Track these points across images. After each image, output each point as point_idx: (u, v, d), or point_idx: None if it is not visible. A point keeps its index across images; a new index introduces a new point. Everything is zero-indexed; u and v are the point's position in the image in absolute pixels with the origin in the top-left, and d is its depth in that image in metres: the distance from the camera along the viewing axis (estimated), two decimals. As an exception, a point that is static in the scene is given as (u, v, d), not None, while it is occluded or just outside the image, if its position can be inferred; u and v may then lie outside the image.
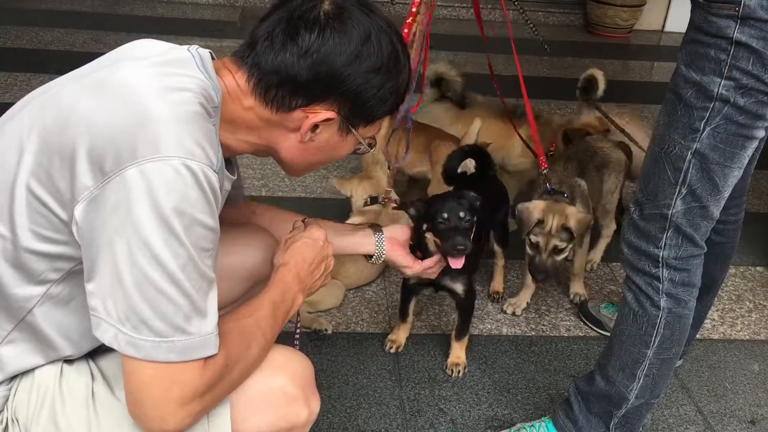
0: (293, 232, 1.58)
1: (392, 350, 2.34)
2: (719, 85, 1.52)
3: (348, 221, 2.72)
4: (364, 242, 1.81)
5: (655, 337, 1.79)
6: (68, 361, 1.29)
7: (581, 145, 2.73)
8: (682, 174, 1.63)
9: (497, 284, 2.67)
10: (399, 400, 2.15)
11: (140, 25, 5.36)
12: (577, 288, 2.68)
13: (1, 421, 1.24)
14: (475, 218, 2.00)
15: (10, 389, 1.25)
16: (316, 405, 1.42)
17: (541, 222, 2.29)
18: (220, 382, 1.21)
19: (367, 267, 2.61)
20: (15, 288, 1.17)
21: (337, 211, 3.09)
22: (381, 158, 2.88)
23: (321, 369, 2.24)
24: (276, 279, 1.43)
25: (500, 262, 2.63)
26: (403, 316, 2.34)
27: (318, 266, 1.53)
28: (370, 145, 1.43)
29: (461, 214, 1.96)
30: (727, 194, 1.67)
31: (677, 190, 1.65)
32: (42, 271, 1.16)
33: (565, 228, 2.28)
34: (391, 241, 1.83)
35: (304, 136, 1.31)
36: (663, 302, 1.75)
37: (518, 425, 2.04)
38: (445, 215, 1.96)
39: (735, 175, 1.64)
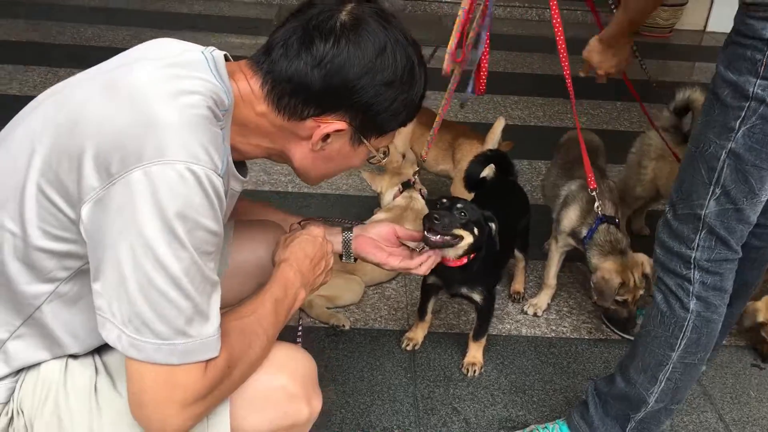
0: (292, 232, 1.58)
1: (409, 348, 2.33)
2: (755, 85, 1.51)
3: (372, 218, 2.72)
4: (333, 241, 1.71)
5: (681, 340, 1.76)
6: (74, 355, 1.30)
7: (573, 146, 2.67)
8: (716, 174, 1.61)
9: (518, 284, 2.64)
10: (413, 398, 2.14)
11: (178, 21, 5.45)
12: (600, 290, 2.64)
13: (7, 413, 1.27)
14: (474, 230, 1.89)
15: (17, 382, 1.27)
16: (317, 403, 1.42)
17: (623, 284, 2.31)
18: (222, 383, 1.21)
19: (389, 264, 2.61)
20: (24, 285, 1.19)
21: (361, 208, 3.11)
22: (411, 156, 2.88)
23: (336, 364, 2.25)
24: (278, 275, 1.43)
25: (521, 263, 2.61)
26: (421, 314, 2.33)
27: (319, 262, 1.52)
28: (384, 154, 1.43)
29: (459, 206, 1.86)
30: (764, 198, 1.64)
31: (711, 190, 1.63)
32: (51, 269, 1.18)
33: (643, 275, 2.33)
34: (360, 239, 1.73)
35: (315, 146, 1.31)
36: (692, 305, 1.72)
37: (531, 426, 2.02)
38: (444, 201, 1.88)
39: None
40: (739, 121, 1.55)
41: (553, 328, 2.51)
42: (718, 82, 1.59)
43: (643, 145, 2.76)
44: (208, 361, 1.16)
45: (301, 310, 1.69)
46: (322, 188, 3.31)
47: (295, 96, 1.25)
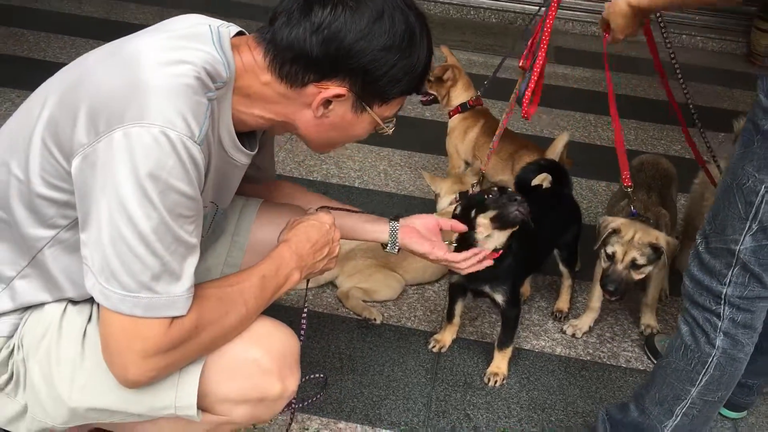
0: (303, 216, 1.62)
1: (435, 349, 2.34)
2: None
3: None
4: (377, 230, 1.80)
5: (703, 376, 1.69)
6: (74, 301, 1.40)
7: (652, 170, 2.58)
8: (754, 209, 1.54)
9: (562, 303, 2.58)
10: (427, 398, 2.15)
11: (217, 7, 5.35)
12: (649, 319, 2.54)
13: (9, 346, 1.38)
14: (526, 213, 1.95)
15: (21, 318, 1.38)
16: (292, 382, 1.45)
17: (617, 231, 2.20)
18: (187, 343, 1.27)
19: (431, 265, 2.62)
20: (28, 228, 1.30)
21: (423, 210, 3.11)
22: (476, 166, 2.87)
23: (360, 355, 2.28)
24: (273, 253, 1.48)
25: (567, 281, 2.54)
26: (449, 317, 2.33)
27: (321, 248, 1.55)
28: (391, 124, 1.45)
29: (517, 198, 1.94)
30: None
31: (747, 225, 1.56)
32: (51, 216, 1.28)
33: (653, 246, 2.17)
34: (407, 229, 1.80)
35: (316, 111, 1.35)
36: (719, 341, 1.65)
37: (538, 443, 1.98)
38: (500, 193, 1.95)
39: None
40: None
41: (590, 351, 2.44)
42: (759, 112, 1.51)
43: (706, 177, 2.63)
44: (174, 318, 1.22)
45: (306, 293, 1.73)
46: (389, 186, 3.36)
47: (296, 63, 1.29)
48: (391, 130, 1.48)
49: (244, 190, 1.72)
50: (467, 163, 3.07)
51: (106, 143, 1.15)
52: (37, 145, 1.23)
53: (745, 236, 1.55)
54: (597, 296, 2.47)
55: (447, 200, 2.79)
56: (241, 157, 1.43)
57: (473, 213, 1.97)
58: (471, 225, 1.97)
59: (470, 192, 2.73)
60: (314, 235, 1.54)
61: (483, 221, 1.96)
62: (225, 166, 1.41)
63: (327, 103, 1.35)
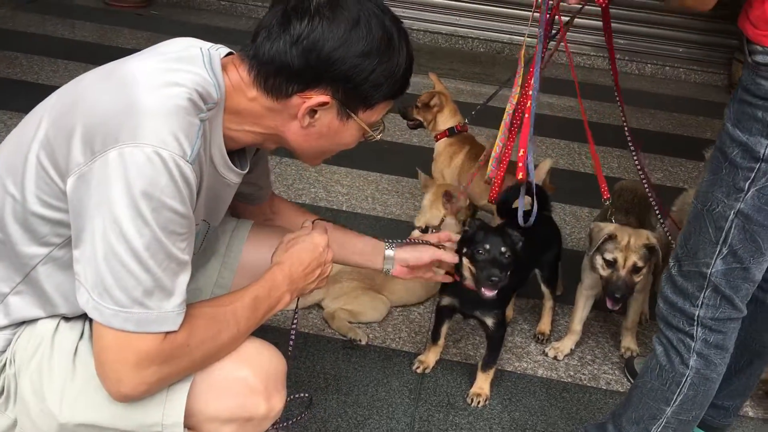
0: (298, 232, 1.63)
1: (419, 370, 2.37)
2: (766, 147, 1.50)
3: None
4: (371, 258, 1.90)
5: (678, 395, 1.73)
6: (67, 318, 1.43)
7: (630, 195, 2.64)
8: (724, 233, 1.60)
9: (544, 325, 2.63)
10: (411, 418, 2.18)
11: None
12: (629, 342, 2.59)
13: (1, 360, 1.40)
14: (514, 260, 2.03)
15: (14, 334, 1.41)
16: (278, 401, 1.47)
17: (613, 237, 2.24)
18: (179, 359, 1.30)
19: (417, 286, 2.66)
20: (22, 246, 1.33)
21: (407, 234, 3.16)
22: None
23: (345, 376, 2.31)
24: (267, 275, 1.50)
25: (548, 303, 2.60)
26: (434, 338, 2.37)
27: (313, 271, 1.58)
28: (378, 130, 1.49)
29: (503, 249, 2.01)
30: None
31: (718, 249, 1.61)
32: (45, 234, 1.31)
33: (647, 246, 2.23)
34: (398, 269, 1.90)
35: (302, 121, 1.39)
36: (692, 361, 1.70)
37: (518, 463, 2.01)
38: (487, 246, 2.01)
39: None
40: (748, 182, 1.54)
41: (571, 373, 2.48)
42: (726, 140, 1.57)
43: (684, 204, 2.70)
44: (166, 333, 1.25)
45: (294, 317, 1.76)
46: (376, 210, 3.41)
47: (279, 75, 1.33)
48: (379, 136, 1.50)
49: (247, 213, 1.77)
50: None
51: (102, 162, 1.19)
52: (32, 164, 1.27)
53: (716, 260, 1.61)
54: (578, 319, 2.52)
55: (428, 212, 2.79)
56: (233, 176, 1.47)
57: (464, 249, 2.04)
58: (461, 256, 2.04)
59: (431, 229, 2.75)
60: (307, 258, 1.56)
61: (466, 264, 2.05)
62: (216, 185, 1.44)
63: (312, 112, 1.38)
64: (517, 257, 2.07)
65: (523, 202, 2.31)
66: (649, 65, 6.31)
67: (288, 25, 1.31)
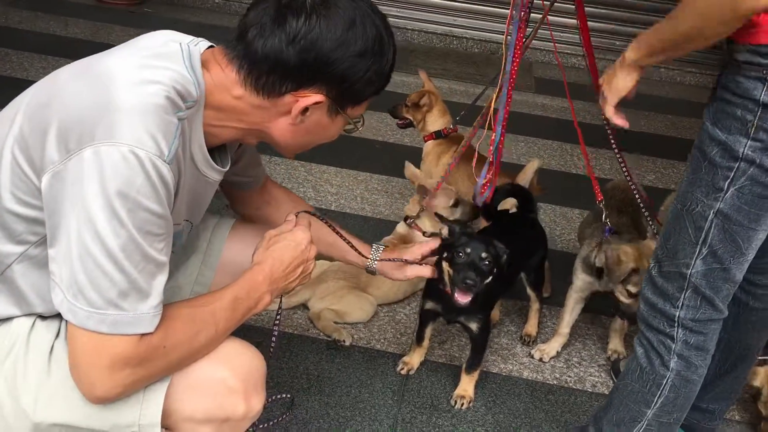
0: (280, 228, 1.61)
1: (404, 372, 2.35)
2: (745, 146, 1.48)
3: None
4: (356, 257, 1.89)
5: (658, 398, 1.72)
6: (43, 316, 1.40)
7: (622, 195, 2.62)
8: (704, 233, 1.58)
9: (531, 327, 2.61)
10: (393, 420, 2.16)
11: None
12: (617, 345, 2.57)
13: None
14: (494, 269, 2.00)
15: None
16: (257, 402, 1.45)
17: (637, 271, 2.21)
18: (155, 361, 1.27)
19: (403, 283, 2.63)
20: None
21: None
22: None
23: (328, 377, 2.29)
24: (246, 276, 1.48)
25: (535, 305, 2.58)
26: (419, 339, 2.35)
27: (294, 270, 1.56)
28: (360, 123, 1.48)
29: (483, 255, 1.97)
30: (751, 257, 1.60)
31: (698, 249, 1.60)
32: (21, 232, 1.29)
33: None
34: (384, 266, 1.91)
35: (295, 119, 1.37)
36: (673, 363, 1.68)
37: (500, 466, 2.00)
38: (468, 250, 1.97)
39: (759, 237, 1.57)
40: (728, 182, 1.52)
41: (557, 375, 2.46)
42: (705, 139, 1.55)
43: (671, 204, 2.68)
44: (142, 335, 1.23)
45: (277, 317, 1.74)
46: (365, 210, 3.39)
47: (273, 74, 1.31)
48: (361, 129, 1.49)
49: (243, 200, 1.79)
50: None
51: (77, 161, 1.16)
52: (7, 160, 1.24)
53: (695, 260, 1.59)
54: (566, 323, 2.51)
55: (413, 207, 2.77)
56: (214, 174, 1.44)
57: (443, 254, 2.01)
58: (440, 261, 2.02)
59: (410, 221, 2.73)
60: (288, 257, 1.54)
61: (446, 268, 2.02)
62: (197, 184, 1.42)
63: (304, 110, 1.36)
64: (500, 268, 2.02)
65: (483, 178, 2.27)
66: (658, 70, 6.29)
67: (284, 23, 1.28)
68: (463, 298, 1.96)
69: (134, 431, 1.36)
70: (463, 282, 1.93)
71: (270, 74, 1.31)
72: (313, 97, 1.34)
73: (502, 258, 2.03)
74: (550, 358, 2.52)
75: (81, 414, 1.33)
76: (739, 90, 1.46)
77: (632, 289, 2.22)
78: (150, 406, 1.34)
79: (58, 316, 1.41)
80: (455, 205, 2.65)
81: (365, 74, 1.35)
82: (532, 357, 2.52)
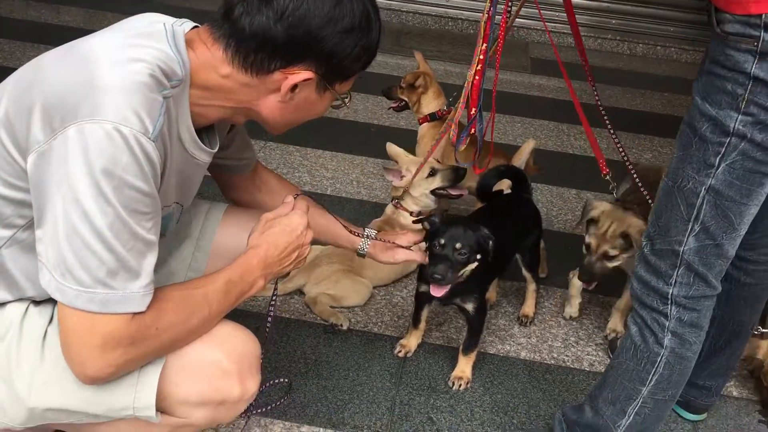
0: (277, 211, 1.59)
1: (401, 354, 2.35)
2: (736, 120, 1.46)
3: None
4: (350, 239, 1.91)
5: (653, 375, 1.72)
6: (36, 302, 1.41)
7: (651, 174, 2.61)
8: (696, 210, 1.57)
9: (528, 308, 2.61)
10: (391, 402, 2.16)
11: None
12: (616, 324, 2.56)
13: None
14: (477, 255, 1.99)
15: None
16: (252, 384, 1.47)
17: (595, 222, 2.24)
18: (147, 341, 1.28)
19: (396, 266, 2.62)
20: None
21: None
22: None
23: (325, 360, 2.30)
24: (241, 260, 1.48)
25: (531, 286, 2.57)
26: (415, 322, 2.35)
27: (289, 254, 1.55)
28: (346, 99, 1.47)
29: (457, 246, 1.96)
30: (743, 232, 1.59)
31: (690, 226, 1.59)
32: (8, 215, 1.29)
33: (623, 235, 2.22)
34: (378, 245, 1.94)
35: (284, 97, 1.37)
36: (667, 340, 1.68)
37: (498, 445, 2.00)
38: (442, 241, 1.97)
39: (751, 212, 1.56)
40: (719, 158, 1.51)
41: (555, 355, 2.47)
42: (696, 114, 1.53)
43: None
44: (133, 315, 1.23)
45: (273, 300, 1.74)
46: (361, 194, 3.39)
47: (261, 51, 1.30)
48: (349, 104, 1.49)
49: (236, 185, 1.79)
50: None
51: (61, 140, 1.16)
52: None
53: (688, 237, 1.58)
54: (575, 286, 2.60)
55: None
56: (203, 155, 1.44)
57: (426, 243, 2.01)
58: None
59: (395, 202, 2.74)
60: (283, 242, 1.53)
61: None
62: (186, 166, 1.42)
63: (293, 87, 1.36)
64: (486, 255, 2.01)
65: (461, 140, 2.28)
66: (640, 45, 6.25)
67: (270, 0, 1.27)
68: (435, 291, 1.97)
69: (129, 414, 1.37)
70: (432, 276, 1.94)
71: (258, 52, 1.30)
72: (302, 74, 1.33)
73: (487, 245, 2.01)
74: (572, 318, 2.62)
75: (76, 398, 1.34)
76: (729, 63, 1.44)
77: (586, 239, 2.25)
78: (144, 389, 1.35)
79: (50, 300, 1.42)
80: (432, 173, 2.65)
81: (353, 50, 1.35)
82: (564, 318, 2.65)
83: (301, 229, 1.56)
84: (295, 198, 1.63)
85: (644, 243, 1.70)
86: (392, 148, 2.78)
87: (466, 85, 2.26)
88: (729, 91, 1.45)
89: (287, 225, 1.55)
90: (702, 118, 1.51)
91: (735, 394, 2.37)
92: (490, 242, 2.02)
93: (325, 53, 1.32)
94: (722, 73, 1.46)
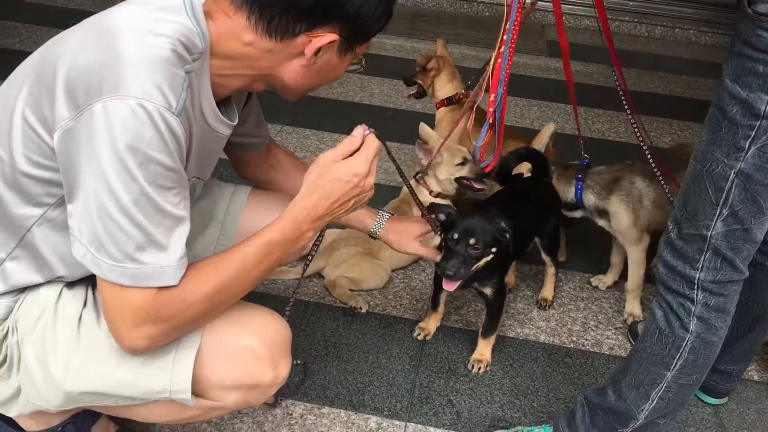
0: (340, 147, 1.41)
1: (420, 337, 2.36)
2: (767, 103, 1.43)
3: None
4: (365, 219, 1.90)
5: (678, 360, 1.71)
6: (69, 284, 1.42)
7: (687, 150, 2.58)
8: (724, 194, 1.55)
9: (547, 292, 2.60)
10: (411, 385, 2.17)
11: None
12: (633, 307, 2.56)
13: (3, 329, 1.40)
14: (492, 249, 1.97)
15: (16, 301, 1.40)
16: (284, 369, 1.48)
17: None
18: (177, 314, 1.28)
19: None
20: (15, 207, 1.32)
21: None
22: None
23: (345, 343, 2.31)
24: (287, 217, 1.39)
25: (550, 269, 2.57)
26: (434, 305, 2.35)
27: (343, 204, 1.42)
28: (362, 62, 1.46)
29: (471, 241, 1.94)
30: None
31: (718, 211, 1.57)
32: (38, 194, 1.30)
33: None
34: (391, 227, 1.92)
35: (309, 61, 1.35)
36: (693, 325, 1.67)
37: (518, 427, 2.00)
38: (456, 236, 1.95)
39: None
40: (749, 141, 1.48)
41: (574, 339, 2.46)
42: (725, 97, 1.51)
43: None
44: (161, 288, 1.24)
45: (298, 285, 1.75)
46: (377, 177, 3.37)
47: (286, 15, 1.28)
48: (364, 68, 1.46)
49: (250, 163, 1.78)
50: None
51: (87, 116, 1.16)
52: (18, 123, 1.25)
53: (716, 221, 1.57)
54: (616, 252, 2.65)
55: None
56: (223, 128, 1.43)
57: (440, 234, 1.99)
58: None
59: (417, 178, 2.75)
60: (338, 192, 1.39)
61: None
62: (207, 139, 1.41)
63: (317, 50, 1.34)
64: (501, 248, 1.98)
65: (481, 139, 2.25)
66: (659, 27, 6.19)
67: None
68: (448, 286, 1.97)
69: (165, 397, 1.38)
70: (444, 272, 1.94)
71: (283, 16, 1.29)
72: (327, 37, 1.32)
73: (504, 238, 1.98)
74: (606, 288, 2.68)
75: (113, 382, 1.36)
76: (761, 45, 1.42)
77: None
78: (180, 372, 1.37)
79: (83, 283, 1.44)
80: (462, 163, 2.65)
81: (375, 10, 1.34)
82: (591, 284, 2.72)
83: (362, 176, 1.39)
84: (365, 132, 1.44)
85: (671, 227, 1.68)
86: (424, 129, 2.78)
87: (487, 68, 2.23)
88: (760, 73, 1.43)
89: (344, 174, 1.39)
90: (732, 100, 1.48)
91: (756, 378, 2.36)
92: (507, 235, 1.98)
93: (350, 15, 1.31)
94: (754, 54, 1.43)
